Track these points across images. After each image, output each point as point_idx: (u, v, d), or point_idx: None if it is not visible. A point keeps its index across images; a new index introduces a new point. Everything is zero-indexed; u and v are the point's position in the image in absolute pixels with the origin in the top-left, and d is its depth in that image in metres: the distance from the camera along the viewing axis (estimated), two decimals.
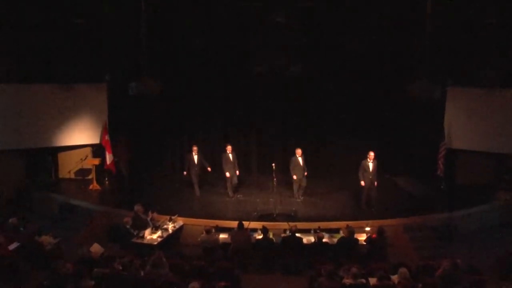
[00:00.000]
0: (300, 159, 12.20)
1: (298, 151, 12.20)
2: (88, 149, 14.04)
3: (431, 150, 13.56)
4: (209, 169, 12.57)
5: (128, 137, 14.35)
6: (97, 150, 13.93)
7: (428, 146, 13.89)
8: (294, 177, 12.27)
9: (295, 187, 12.50)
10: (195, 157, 12.50)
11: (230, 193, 12.60)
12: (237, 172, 12.65)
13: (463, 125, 13.24)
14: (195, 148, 12.55)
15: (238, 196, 12.70)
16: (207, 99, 14.57)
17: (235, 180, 12.66)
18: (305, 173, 12.36)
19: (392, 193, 13.25)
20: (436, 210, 11.81)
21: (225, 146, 12.65)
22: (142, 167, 14.82)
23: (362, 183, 11.79)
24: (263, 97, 14.55)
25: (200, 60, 13.38)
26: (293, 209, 11.88)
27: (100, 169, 13.76)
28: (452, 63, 12.64)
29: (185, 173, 12.61)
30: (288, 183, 13.82)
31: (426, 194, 13.26)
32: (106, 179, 13.89)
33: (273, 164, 11.69)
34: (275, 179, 11.56)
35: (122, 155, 14.08)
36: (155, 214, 10.60)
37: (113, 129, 13.82)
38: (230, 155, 12.45)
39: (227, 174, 12.41)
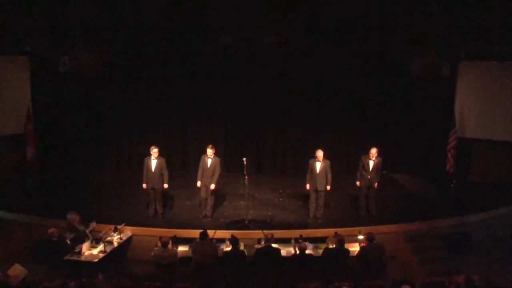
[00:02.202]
0: (318, 165, 11.71)
1: (319, 154, 11.69)
2: (5, 142, 13.86)
3: (439, 140, 14.02)
4: (165, 185, 11.90)
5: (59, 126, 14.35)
6: (18, 142, 13.80)
7: (435, 135, 14.38)
8: (307, 186, 11.94)
9: (311, 200, 11.99)
10: (154, 163, 11.73)
11: (203, 211, 11.98)
12: (212, 186, 11.76)
13: (479, 108, 13.58)
14: (155, 150, 11.69)
15: (221, 220, 11.80)
16: (161, 79, 14.71)
17: (209, 194, 11.88)
18: (327, 187, 11.83)
19: (390, 193, 13.59)
20: (445, 214, 12.08)
21: (206, 147, 11.83)
22: (78, 164, 14.93)
23: (358, 183, 12.04)
24: (231, 75, 14.78)
25: (152, 29, 13.30)
26: (269, 214, 12.13)
27: (22, 167, 13.68)
28: (465, 31, 12.72)
29: (144, 185, 11.85)
30: (264, 182, 14.38)
31: (433, 194, 13.67)
32: (30, 180, 13.82)
33: (244, 159, 11.76)
34: (246, 177, 11.61)
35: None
36: (94, 224, 10.66)
37: (38, 115, 13.77)
38: (209, 161, 11.72)
39: (198, 184, 11.82)
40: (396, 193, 13.88)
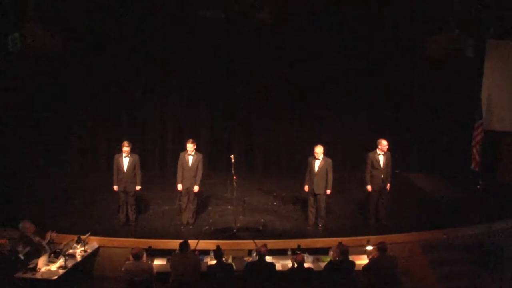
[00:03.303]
0: (317, 163, 11.60)
1: (317, 150, 11.54)
2: None
3: (462, 133, 13.98)
4: (137, 187, 11.81)
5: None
6: None
7: (457, 128, 14.37)
8: (305, 188, 11.86)
9: (310, 205, 11.91)
10: (126, 161, 11.66)
11: (184, 218, 11.90)
12: (196, 188, 11.77)
13: (509, 96, 13.50)
14: (126, 146, 11.60)
15: (205, 228, 11.55)
16: (132, 61, 14.65)
17: (191, 198, 11.83)
18: (327, 190, 11.65)
19: (404, 196, 13.57)
20: (470, 221, 12.05)
21: (186, 142, 11.76)
22: (33, 162, 14.84)
23: (369, 187, 11.88)
24: (216, 56, 14.75)
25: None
26: (262, 221, 12.07)
27: None
28: (494, 3, 12.54)
29: (115, 187, 11.77)
30: (256, 182, 14.44)
31: (455, 197, 13.66)
32: None
33: (232, 156, 11.65)
34: (235, 177, 11.46)
35: None
36: (54, 234, 10.46)
37: None
38: (190, 158, 11.66)
39: (179, 187, 11.75)
40: (411, 196, 13.88)
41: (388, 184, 11.87)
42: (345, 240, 10.47)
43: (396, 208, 12.59)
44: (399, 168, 13.95)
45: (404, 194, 13.67)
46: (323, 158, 11.59)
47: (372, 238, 10.57)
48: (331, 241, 10.68)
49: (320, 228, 11.78)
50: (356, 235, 11.16)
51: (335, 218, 12.40)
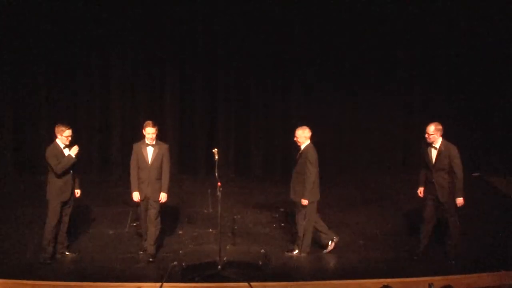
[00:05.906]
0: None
1: (296, 133, 11.72)
2: None
3: None
4: (77, 192, 11.81)
5: None
6: None
7: None
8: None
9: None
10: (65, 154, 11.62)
11: (141, 246, 12.05)
12: (163, 197, 11.76)
13: None
14: (64, 132, 11.44)
15: (172, 264, 11.18)
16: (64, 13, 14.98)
17: (152, 216, 11.76)
18: (302, 199, 11.58)
19: (486, 212, 13.43)
20: None
21: (143, 127, 11.72)
22: None
23: (420, 190, 11.69)
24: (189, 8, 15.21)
25: None
26: (262, 252, 11.86)
27: None
28: None
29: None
30: (251, 192, 14.59)
31: None
32: None
33: (215, 151, 11.49)
34: (219, 184, 11.25)
35: None
36: None
37: None
38: (150, 151, 11.70)
39: (135, 196, 11.79)
40: (498, 211, 13.70)
41: (460, 199, 11.28)
42: (393, 282, 10.05)
43: (473, 231, 12.36)
44: (478, 169, 13.83)
45: (484, 208, 13.55)
46: (306, 147, 11.50)
47: (438, 279, 10.20)
48: (371, 284, 10.45)
49: (289, 254, 11.78)
50: (411, 275, 10.85)
51: (374, 245, 12.26)
